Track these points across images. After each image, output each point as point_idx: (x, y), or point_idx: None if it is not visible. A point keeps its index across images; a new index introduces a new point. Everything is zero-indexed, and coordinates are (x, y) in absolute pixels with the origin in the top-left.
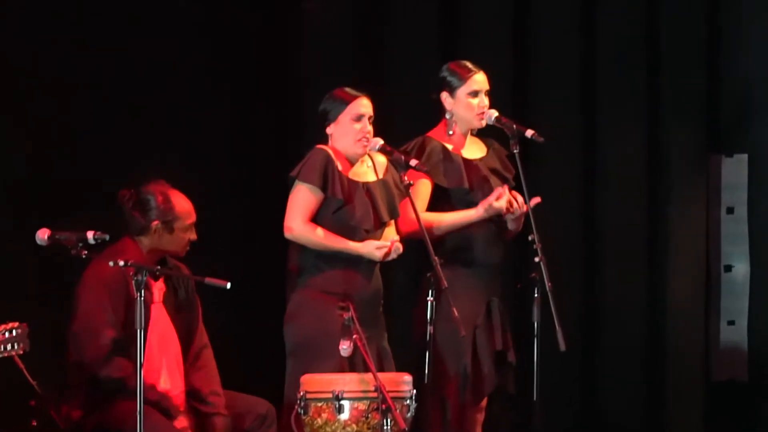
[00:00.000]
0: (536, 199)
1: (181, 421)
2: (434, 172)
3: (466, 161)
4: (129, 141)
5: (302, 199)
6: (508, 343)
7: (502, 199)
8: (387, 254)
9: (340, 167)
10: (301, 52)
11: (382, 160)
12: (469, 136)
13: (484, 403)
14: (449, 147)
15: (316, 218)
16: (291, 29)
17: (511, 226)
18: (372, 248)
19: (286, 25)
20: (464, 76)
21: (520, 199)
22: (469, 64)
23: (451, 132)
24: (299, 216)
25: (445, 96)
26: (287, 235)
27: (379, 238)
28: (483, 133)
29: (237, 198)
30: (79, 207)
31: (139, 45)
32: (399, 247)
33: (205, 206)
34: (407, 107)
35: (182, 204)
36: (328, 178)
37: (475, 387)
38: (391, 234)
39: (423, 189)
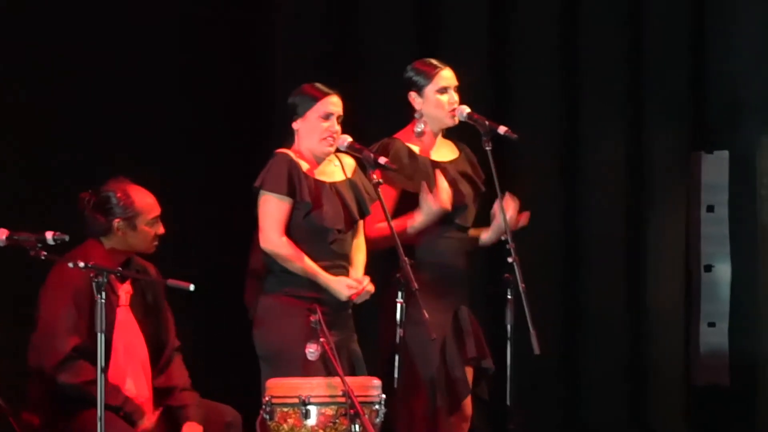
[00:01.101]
0: (525, 216)
1: (148, 420)
2: (399, 174)
3: (434, 163)
4: (95, 141)
5: (273, 210)
6: (482, 349)
7: (441, 192)
8: (357, 295)
9: (305, 168)
10: (274, 53)
11: (350, 162)
12: (439, 137)
13: (468, 411)
14: (416, 149)
15: (288, 224)
16: (264, 28)
17: (486, 238)
18: (342, 286)
19: (259, 24)
20: (431, 74)
21: (509, 213)
22: (434, 61)
23: (420, 131)
24: (274, 229)
25: (413, 96)
26: (264, 247)
27: (351, 238)
28: (455, 135)
29: (204, 199)
30: (41, 207)
31: (108, 45)
32: (370, 290)
33: (172, 208)
34: (383, 106)
35: (143, 198)
36: (294, 183)
37: (449, 394)
38: (360, 246)
39: (386, 197)
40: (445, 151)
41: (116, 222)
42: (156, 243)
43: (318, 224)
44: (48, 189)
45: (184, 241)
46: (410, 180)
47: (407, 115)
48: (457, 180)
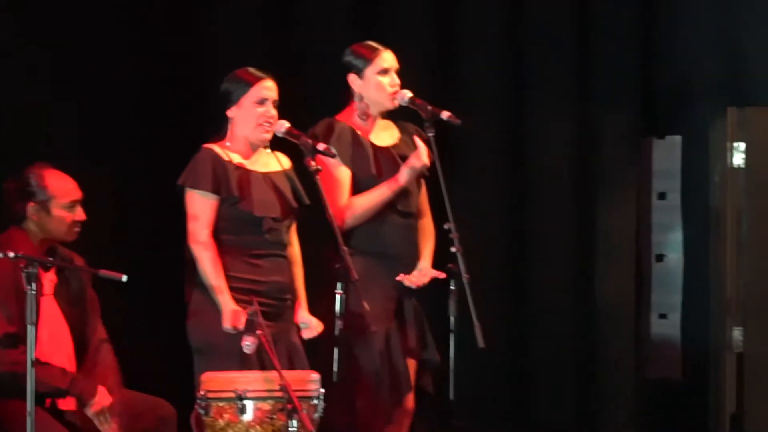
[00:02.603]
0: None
1: (101, 398)
2: (343, 158)
3: (376, 147)
4: (29, 130)
5: (199, 208)
6: (424, 340)
7: (422, 155)
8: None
9: (236, 160)
10: (209, 34)
11: (286, 160)
12: (379, 119)
13: (410, 405)
14: (358, 131)
15: (218, 219)
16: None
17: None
18: (229, 318)
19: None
20: (370, 56)
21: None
22: (374, 44)
23: (363, 117)
24: (202, 227)
25: (353, 78)
26: (190, 245)
27: (288, 228)
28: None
29: (139, 188)
30: None
31: (39, 27)
32: (318, 330)
33: (105, 197)
34: (320, 90)
35: (57, 182)
36: (219, 179)
37: (391, 388)
38: (296, 258)
39: (344, 176)
40: (384, 135)
41: (30, 206)
42: (76, 230)
43: (248, 214)
44: None
45: (118, 231)
46: (353, 164)
47: (345, 102)
48: (398, 164)
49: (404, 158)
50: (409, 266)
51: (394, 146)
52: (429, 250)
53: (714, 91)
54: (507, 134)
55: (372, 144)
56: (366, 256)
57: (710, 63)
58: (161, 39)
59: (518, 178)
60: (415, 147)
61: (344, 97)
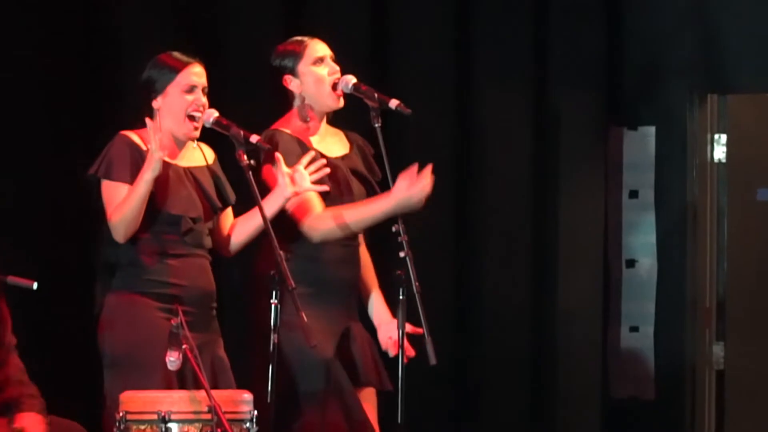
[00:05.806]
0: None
1: None
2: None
3: (326, 159)
4: None
5: (119, 195)
6: (380, 372)
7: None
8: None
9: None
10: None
11: (210, 152)
12: (325, 125)
13: None
14: (303, 141)
15: None
16: None
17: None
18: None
19: None
20: (299, 49)
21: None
22: (299, 37)
23: (305, 120)
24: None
25: (288, 79)
26: (111, 221)
27: (210, 229)
28: (345, 125)
29: (47, 188)
30: None
31: None
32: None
33: (12, 196)
34: (245, 78)
35: None
36: (138, 169)
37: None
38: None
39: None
40: (333, 144)
41: None
42: None
43: (166, 211)
44: None
45: (22, 232)
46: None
47: (271, 89)
48: (350, 179)
49: (355, 171)
50: (352, 291)
51: (345, 157)
52: (378, 296)
53: (691, 75)
54: (455, 122)
55: (321, 155)
56: (305, 279)
57: (687, 42)
58: (64, 20)
59: (469, 171)
60: (365, 159)
61: (272, 92)
